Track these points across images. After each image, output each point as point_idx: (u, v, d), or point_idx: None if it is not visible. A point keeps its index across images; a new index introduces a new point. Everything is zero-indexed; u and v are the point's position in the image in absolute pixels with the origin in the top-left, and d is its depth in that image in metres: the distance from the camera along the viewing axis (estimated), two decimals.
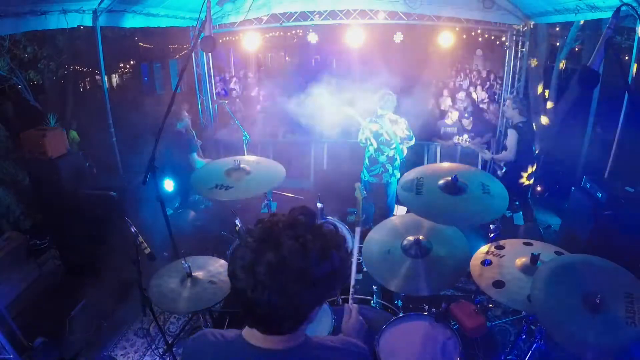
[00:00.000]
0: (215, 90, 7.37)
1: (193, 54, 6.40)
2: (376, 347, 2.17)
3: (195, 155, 4.81)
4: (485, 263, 2.37)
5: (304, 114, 7.43)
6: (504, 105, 4.69)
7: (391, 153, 4.44)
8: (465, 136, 5.09)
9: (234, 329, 1.12)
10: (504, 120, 6.64)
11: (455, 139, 4.87)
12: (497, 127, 6.64)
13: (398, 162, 4.55)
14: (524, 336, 2.83)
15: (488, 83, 9.66)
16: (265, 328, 1.02)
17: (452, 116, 6.91)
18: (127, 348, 3.32)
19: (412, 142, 4.56)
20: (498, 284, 2.23)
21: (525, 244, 2.52)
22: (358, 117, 5.01)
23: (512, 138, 4.42)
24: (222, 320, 3.32)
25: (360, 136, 4.55)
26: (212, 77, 7.01)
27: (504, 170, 4.68)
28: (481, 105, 8.27)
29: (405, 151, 4.61)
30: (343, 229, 3.09)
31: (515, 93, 5.90)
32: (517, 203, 4.87)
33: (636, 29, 3.62)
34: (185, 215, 4.92)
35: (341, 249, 1.03)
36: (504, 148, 4.60)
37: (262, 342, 1.03)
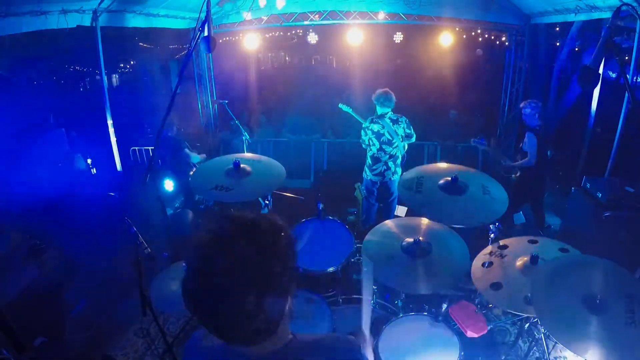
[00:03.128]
0: None
1: (193, 54, 6.40)
2: (377, 347, 2.17)
3: (187, 150, 4.88)
4: (486, 265, 2.36)
5: (304, 114, 7.45)
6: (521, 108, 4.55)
7: (393, 151, 4.44)
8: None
9: None
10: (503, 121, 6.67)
11: (472, 142, 4.79)
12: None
13: (400, 159, 4.56)
14: (524, 336, 2.83)
15: None
16: (243, 342, 0.97)
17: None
18: (127, 348, 3.32)
19: (413, 140, 4.57)
20: (496, 286, 2.22)
21: (530, 241, 2.50)
22: (357, 116, 5.02)
23: (532, 142, 4.29)
24: None
25: (362, 138, 4.55)
26: (212, 77, 7.01)
27: (518, 174, 4.58)
28: None
29: (406, 147, 4.61)
30: (342, 228, 3.09)
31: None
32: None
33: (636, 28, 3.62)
34: (184, 216, 4.92)
35: (286, 237, 0.97)
36: (519, 152, 4.52)
37: (246, 347, 0.99)
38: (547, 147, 4.45)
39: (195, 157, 4.97)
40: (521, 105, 4.51)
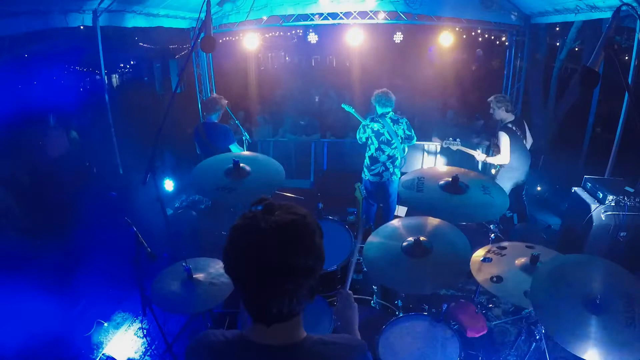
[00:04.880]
0: None
1: (193, 54, 6.40)
2: (377, 347, 2.17)
3: (235, 146, 4.45)
4: (486, 260, 2.37)
5: (304, 114, 7.45)
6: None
7: (392, 152, 4.44)
8: (456, 140, 4.84)
9: (236, 330, 1.13)
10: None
11: (444, 144, 4.75)
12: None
13: (399, 161, 4.56)
14: (524, 336, 2.83)
15: None
16: (272, 311, 1.01)
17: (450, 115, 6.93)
18: (127, 348, 3.32)
19: (414, 142, 4.57)
20: (497, 279, 2.26)
21: (528, 247, 2.52)
22: (358, 116, 5.02)
23: (503, 141, 4.21)
24: (222, 321, 3.33)
25: (359, 134, 4.55)
26: (212, 77, 7.01)
27: (497, 168, 4.52)
28: None
29: (407, 150, 4.61)
30: (342, 228, 3.09)
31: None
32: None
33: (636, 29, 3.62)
34: (185, 216, 4.92)
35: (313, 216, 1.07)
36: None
37: (263, 338, 1.04)
38: (522, 142, 4.33)
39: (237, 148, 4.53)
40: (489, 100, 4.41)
